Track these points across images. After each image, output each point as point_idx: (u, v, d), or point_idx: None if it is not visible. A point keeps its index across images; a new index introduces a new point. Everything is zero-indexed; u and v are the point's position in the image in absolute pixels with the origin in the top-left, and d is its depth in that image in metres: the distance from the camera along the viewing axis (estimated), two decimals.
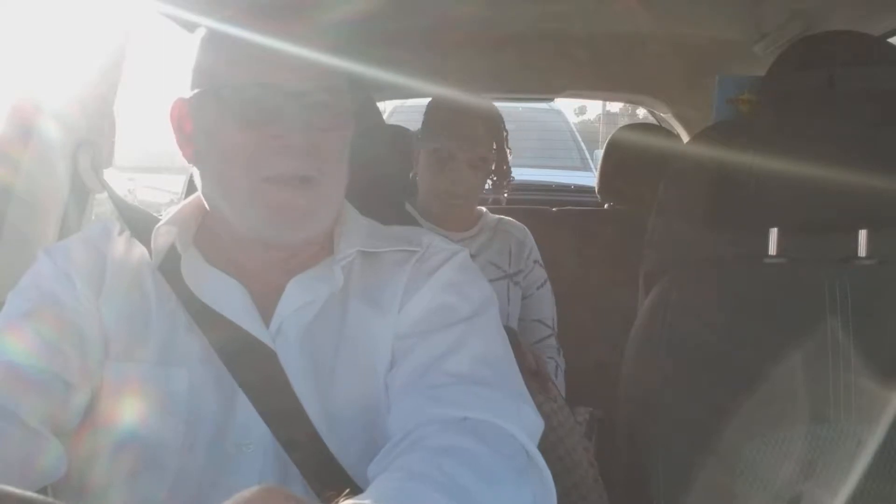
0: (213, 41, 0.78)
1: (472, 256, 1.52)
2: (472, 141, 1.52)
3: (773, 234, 1.08)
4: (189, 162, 0.81)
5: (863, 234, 1.07)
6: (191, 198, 0.86)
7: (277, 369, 0.76)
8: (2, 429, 0.66)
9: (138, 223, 0.84)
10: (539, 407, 0.76)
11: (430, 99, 1.63)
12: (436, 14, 1.60)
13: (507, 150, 1.61)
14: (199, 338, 0.77)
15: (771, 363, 1.01)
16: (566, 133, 5.59)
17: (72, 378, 0.74)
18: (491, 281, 1.52)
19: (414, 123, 1.64)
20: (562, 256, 1.70)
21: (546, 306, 1.68)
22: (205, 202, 0.82)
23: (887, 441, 0.98)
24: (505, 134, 1.61)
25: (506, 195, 1.71)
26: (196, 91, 0.78)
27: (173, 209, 0.85)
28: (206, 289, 0.79)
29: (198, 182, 0.82)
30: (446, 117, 1.53)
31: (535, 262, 1.68)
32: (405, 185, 1.52)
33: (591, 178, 3.10)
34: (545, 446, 0.70)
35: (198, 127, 0.78)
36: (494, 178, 1.65)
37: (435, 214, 1.57)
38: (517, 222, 1.70)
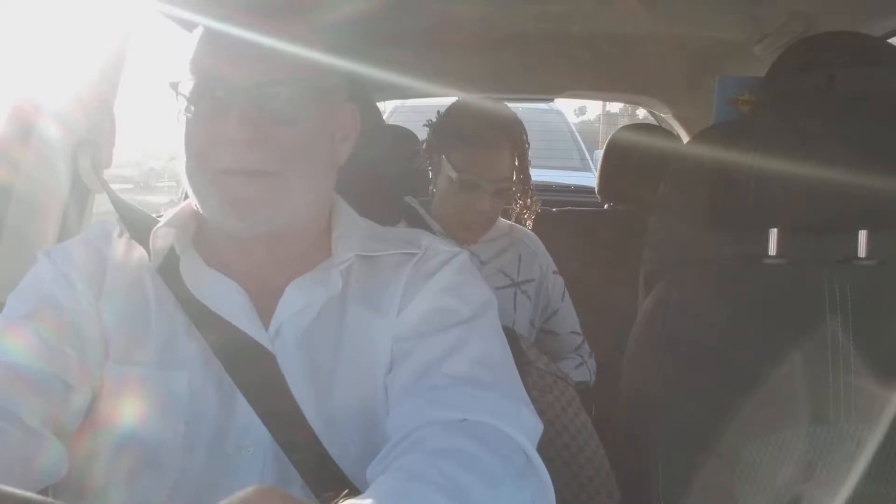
0: (195, 38, 0.79)
1: (483, 263, 1.51)
2: (497, 170, 1.45)
3: (773, 234, 1.08)
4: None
5: (863, 235, 1.07)
6: (189, 199, 0.86)
7: (276, 371, 0.76)
8: (2, 429, 0.66)
9: (137, 224, 0.83)
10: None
11: (446, 109, 1.53)
12: (436, 14, 1.60)
13: (528, 165, 1.53)
14: (199, 340, 0.77)
15: (771, 363, 1.01)
16: (566, 133, 5.60)
17: (72, 379, 0.74)
18: (498, 289, 1.51)
19: (414, 123, 1.63)
20: (562, 257, 1.69)
21: (572, 314, 1.65)
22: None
23: (887, 442, 0.98)
24: (526, 146, 1.52)
25: (529, 224, 1.66)
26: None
27: (172, 211, 0.85)
28: (206, 290, 0.79)
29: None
30: (472, 146, 1.43)
31: (553, 272, 1.63)
32: (406, 186, 1.51)
33: (591, 179, 3.10)
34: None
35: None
36: (519, 204, 1.59)
37: (451, 227, 1.50)
38: (529, 231, 1.67)
